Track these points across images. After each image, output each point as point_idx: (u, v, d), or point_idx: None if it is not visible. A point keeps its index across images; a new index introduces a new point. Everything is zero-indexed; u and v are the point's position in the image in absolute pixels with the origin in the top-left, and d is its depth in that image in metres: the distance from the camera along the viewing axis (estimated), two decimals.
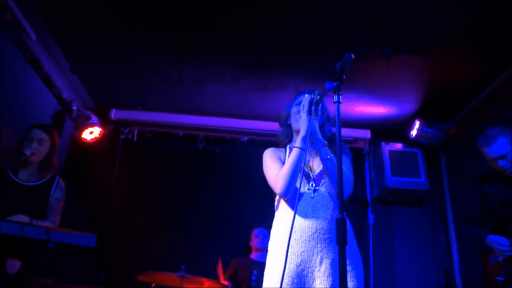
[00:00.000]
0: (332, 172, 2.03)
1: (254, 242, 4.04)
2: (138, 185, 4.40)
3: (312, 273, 1.93)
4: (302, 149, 2.03)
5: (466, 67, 3.66)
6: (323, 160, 2.06)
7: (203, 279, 3.36)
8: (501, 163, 2.74)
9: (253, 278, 3.68)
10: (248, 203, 4.29)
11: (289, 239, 1.85)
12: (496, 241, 2.66)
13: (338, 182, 1.58)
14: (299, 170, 2.05)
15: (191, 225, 4.36)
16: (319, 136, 2.10)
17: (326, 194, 2.06)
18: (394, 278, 4.35)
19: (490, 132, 2.78)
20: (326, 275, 1.89)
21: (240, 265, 3.94)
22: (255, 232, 4.07)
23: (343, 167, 2.06)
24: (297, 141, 2.08)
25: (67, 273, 3.58)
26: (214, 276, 3.51)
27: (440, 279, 4.42)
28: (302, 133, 2.06)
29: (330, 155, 2.05)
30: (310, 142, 2.10)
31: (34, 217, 2.72)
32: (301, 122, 2.09)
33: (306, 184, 2.08)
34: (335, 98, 1.71)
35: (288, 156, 2.18)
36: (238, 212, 4.37)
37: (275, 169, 2.13)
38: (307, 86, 3.99)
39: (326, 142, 2.12)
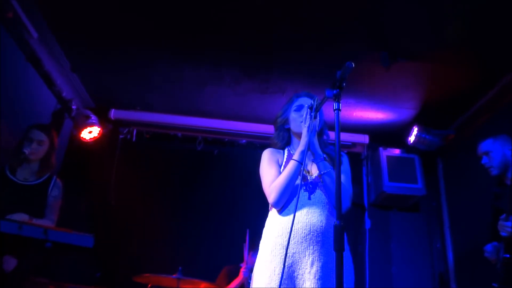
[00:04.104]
0: (330, 185, 2.03)
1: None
2: (136, 186, 4.40)
3: (303, 275, 1.92)
4: (299, 163, 2.03)
5: (465, 74, 3.68)
6: (321, 174, 2.06)
7: (200, 281, 3.36)
8: (483, 160, 2.95)
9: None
10: (245, 205, 4.28)
11: (289, 240, 1.85)
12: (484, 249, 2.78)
13: (336, 194, 1.59)
14: (294, 183, 2.05)
15: (188, 226, 4.36)
16: (318, 150, 2.10)
17: (323, 196, 2.06)
18: (390, 282, 4.36)
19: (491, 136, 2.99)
20: (317, 278, 1.89)
21: (232, 272, 3.89)
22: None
23: (342, 178, 2.06)
24: (296, 154, 2.08)
25: (63, 271, 3.58)
26: (210, 278, 3.51)
27: (435, 284, 4.44)
28: (301, 147, 2.07)
29: (328, 170, 2.06)
30: (309, 154, 2.11)
31: (32, 216, 2.73)
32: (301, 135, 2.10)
33: (303, 185, 2.08)
34: (335, 105, 1.71)
35: (286, 161, 2.19)
36: (236, 214, 4.37)
37: (271, 175, 2.12)
38: (306, 90, 3.99)
39: (325, 155, 2.12)
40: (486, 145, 2.94)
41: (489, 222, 2.84)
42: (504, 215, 2.50)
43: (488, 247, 2.76)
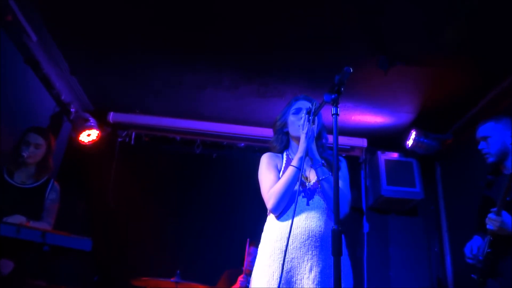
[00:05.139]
0: (328, 191, 2.03)
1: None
2: (135, 189, 4.40)
3: (301, 280, 1.92)
4: (298, 169, 2.03)
5: (463, 78, 3.69)
6: (319, 180, 2.06)
7: (198, 285, 3.36)
8: (481, 145, 2.73)
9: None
10: (244, 208, 4.28)
11: (287, 245, 1.85)
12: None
13: (334, 199, 1.59)
14: (293, 189, 2.05)
15: (187, 229, 4.36)
16: (317, 156, 2.11)
17: (322, 202, 2.06)
18: (388, 286, 4.36)
19: (492, 117, 2.77)
20: (315, 283, 1.89)
21: (234, 276, 3.88)
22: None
23: (341, 183, 2.06)
24: (294, 160, 2.08)
25: (61, 275, 3.57)
26: (208, 282, 3.50)
27: None
28: (299, 153, 2.07)
29: (326, 175, 2.06)
30: (308, 159, 2.11)
31: (30, 218, 2.73)
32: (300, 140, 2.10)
33: (301, 191, 2.08)
34: (333, 110, 1.71)
35: (285, 165, 2.19)
36: (234, 218, 4.37)
37: (269, 180, 2.12)
38: (305, 94, 4.01)
39: (323, 161, 2.12)
40: (486, 129, 2.70)
41: (477, 210, 2.71)
42: (495, 209, 2.34)
43: (467, 252, 2.62)
